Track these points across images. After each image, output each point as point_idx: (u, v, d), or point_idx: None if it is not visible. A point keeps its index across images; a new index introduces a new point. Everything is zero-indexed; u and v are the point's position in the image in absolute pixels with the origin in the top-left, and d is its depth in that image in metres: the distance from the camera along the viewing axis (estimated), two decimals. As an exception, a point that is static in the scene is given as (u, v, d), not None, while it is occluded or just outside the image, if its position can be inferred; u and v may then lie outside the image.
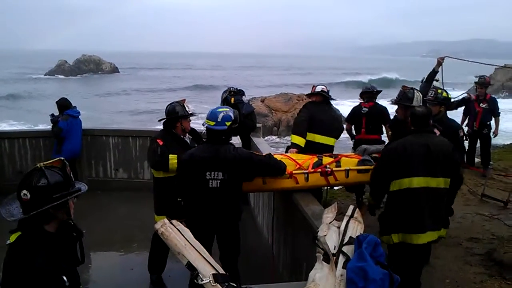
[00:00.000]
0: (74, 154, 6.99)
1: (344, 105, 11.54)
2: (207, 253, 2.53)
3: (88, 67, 56.51)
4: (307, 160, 4.27)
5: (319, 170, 4.10)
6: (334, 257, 2.60)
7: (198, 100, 32.87)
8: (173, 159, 4.16)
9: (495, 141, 9.02)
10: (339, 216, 3.22)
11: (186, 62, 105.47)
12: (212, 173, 3.54)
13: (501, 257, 4.56)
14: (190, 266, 2.40)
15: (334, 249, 2.71)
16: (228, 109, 3.79)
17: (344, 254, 2.64)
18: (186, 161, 3.65)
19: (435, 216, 3.52)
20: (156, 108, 26.33)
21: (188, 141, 4.52)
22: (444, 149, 3.52)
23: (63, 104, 6.99)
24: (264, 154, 4.18)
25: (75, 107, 7.13)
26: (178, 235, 2.51)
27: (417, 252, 3.57)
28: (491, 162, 7.67)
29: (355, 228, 2.93)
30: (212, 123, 3.66)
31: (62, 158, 2.19)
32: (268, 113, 22.06)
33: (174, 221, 2.62)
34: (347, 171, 4.25)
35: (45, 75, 54.52)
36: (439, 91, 5.04)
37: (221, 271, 2.45)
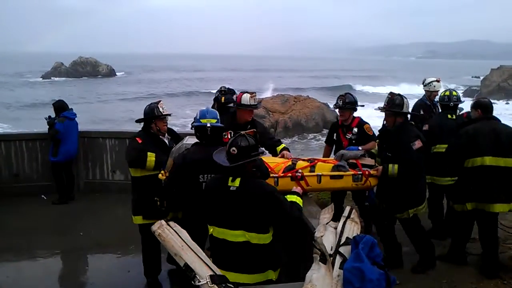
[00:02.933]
0: (71, 156, 6.99)
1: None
2: (204, 254, 2.53)
3: (85, 69, 56.45)
4: (281, 164, 4.21)
5: (290, 174, 4.04)
6: (331, 258, 2.61)
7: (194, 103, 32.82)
8: (151, 156, 4.19)
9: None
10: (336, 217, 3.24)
11: (183, 64, 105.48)
12: (206, 176, 3.50)
13: (498, 257, 4.58)
14: (187, 268, 2.40)
15: (331, 249, 2.72)
16: (205, 109, 3.82)
17: (341, 254, 2.65)
18: (181, 165, 3.59)
19: (505, 191, 4.26)
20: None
21: (166, 141, 4.54)
22: (509, 133, 4.30)
23: (60, 106, 6.98)
24: None
25: (71, 109, 7.12)
26: (175, 236, 2.51)
27: (489, 218, 4.38)
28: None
29: (352, 229, 2.95)
30: (214, 120, 3.65)
31: (254, 130, 3.14)
32: (265, 115, 22.11)
33: (171, 223, 2.62)
34: (319, 177, 4.24)
35: (41, 77, 54.36)
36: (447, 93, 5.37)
37: (218, 272, 2.46)
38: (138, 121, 4.56)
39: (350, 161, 4.44)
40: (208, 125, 3.60)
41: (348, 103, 5.14)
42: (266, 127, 5.05)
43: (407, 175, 4.23)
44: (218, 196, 3.04)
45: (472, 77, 68.14)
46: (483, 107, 4.50)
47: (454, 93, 5.39)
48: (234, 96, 6.12)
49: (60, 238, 5.62)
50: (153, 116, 4.36)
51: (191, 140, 4.10)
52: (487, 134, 4.27)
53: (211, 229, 3.09)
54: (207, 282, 2.33)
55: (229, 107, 5.80)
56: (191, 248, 2.49)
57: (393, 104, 4.36)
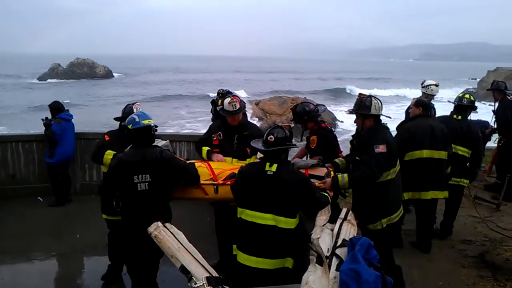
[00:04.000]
0: (67, 157, 6.96)
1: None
2: (200, 256, 2.53)
3: (82, 70, 56.24)
4: (226, 171, 4.06)
5: (229, 182, 3.87)
6: (328, 260, 2.61)
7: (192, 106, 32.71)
8: (108, 154, 4.30)
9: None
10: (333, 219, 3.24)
11: (181, 66, 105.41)
12: (140, 176, 3.55)
13: (494, 259, 4.60)
14: (183, 269, 2.40)
15: (328, 251, 2.72)
16: (142, 112, 3.86)
17: (338, 256, 2.65)
18: (115, 167, 3.65)
19: (438, 180, 4.90)
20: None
21: None
22: (441, 128, 4.93)
23: (56, 107, 6.95)
24: (187, 161, 4.10)
25: (67, 110, 7.09)
26: (172, 238, 2.51)
27: (425, 205, 4.98)
28: (483, 165, 7.71)
29: (348, 231, 2.95)
30: (151, 121, 3.69)
31: (290, 124, 3.42)
32: (263, 116, 22.10)
33: (167, 224, 2.62)
34: None
35: (37, 79, 54.13)
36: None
37: (215, 274, 2.46)
38: (116, 119, 4.68)
39: (301, 170, 4.09)
40: (152, 125, 3.69)
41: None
42: (262, 130, 4.75)
43: (360, 181, 3.99)
44: (254, 179, 3.32)
45: (469, 79, 68.42)
46: (424, 106, 5.16)
47: (466, 96, 5.46)
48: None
49: (57, 240, 5.59)
50: (123, 116, 4.46)
51: (161, 143, 4.29)
52: (425, 130, 4.89)
53: (240, 212, 3.35)
54: (203, 284, 2.33)
55: None
56: (187, 250, 2.49)
57: (361, 106, 4.13)
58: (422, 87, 6.31)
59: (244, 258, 3.25)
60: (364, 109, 4.08)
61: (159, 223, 2.60)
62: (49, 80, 52.80)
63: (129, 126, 3.64)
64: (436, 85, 6.28)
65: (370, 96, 4.18)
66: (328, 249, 2.74)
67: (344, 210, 3.24)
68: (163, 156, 3.63)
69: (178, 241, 2.52)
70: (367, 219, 4.10)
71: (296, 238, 3.30)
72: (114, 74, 62.27)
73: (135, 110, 4.45)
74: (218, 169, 4.09)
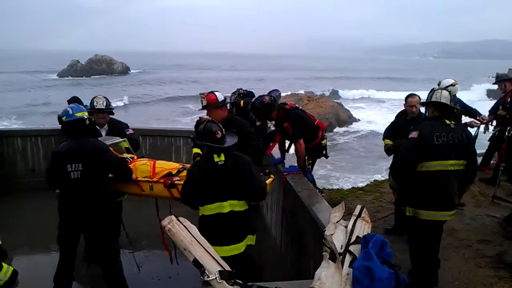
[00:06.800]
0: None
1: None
2: (212, 250, 2.54)
3: (100, 67, 57.05)
4: (165, 170, 4.20)
5: (162, 181, 4.05)
6: (341, 256, 2.60)
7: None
8: None
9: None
10: (347, 216, 3.22)
11: (197, 63, 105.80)
12: (73, 165, 3.81)
13: (511, 259, 4.52)
14: (196, 263, 2.42)
15: (341, 248, 2.71)
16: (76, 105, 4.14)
17: (351, 253, 2.64)
18: (52, 157, 3.94)
19: None
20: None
21: (103, 133, 4.94)
22: None
23: (74, 102, 7.05)
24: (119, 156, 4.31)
25: (86, 105, 7.18)
26: (185, 232, 2.52)
27: None
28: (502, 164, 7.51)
29: (362, 228, 2.93)
30: (85, 113, 3.97)
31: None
32: (278, 114, 22.04)
33: (181, 218, 2.63)
34: None
35: (57, 75, 55.05)
36: None
37: (228, 268, 2.46)
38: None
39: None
40: (85, 117, 3.93)
41: None
42: (246, 126, 4.77)
43: None
44: (209, 173, 3.50)
45: (490, 77, 67.06)
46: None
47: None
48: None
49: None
50: (91, 108, 4.88)
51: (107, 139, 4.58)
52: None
53: (202, 210, 3.54)
54: (216, 277, 2.34)
55: (249, 111, 5.58)
56: (200, 244, 2.50)
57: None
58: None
59: (217, 251, 3.24)
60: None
61: (173, 217, 2.62)
62: (69, 76, 53.63)
63: (63, 118, 3.91)
64: (453, 85, 6.03)
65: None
66: (342, 245, 2.73)
67: (358, 207, 3.22)
68: (96, 147, 3.91)
69: (191, 234, 2.53)
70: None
71: (249, 216, 3.65)
72: (132, 70, 62.96)
73: (94, 103, 4.90)
74: (159, 167, 4.26)
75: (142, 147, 7.61)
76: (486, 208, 6.13)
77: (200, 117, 3.74)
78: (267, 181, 3.99)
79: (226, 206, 3.48)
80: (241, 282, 2.42)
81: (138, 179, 4.12)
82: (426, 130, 3.76)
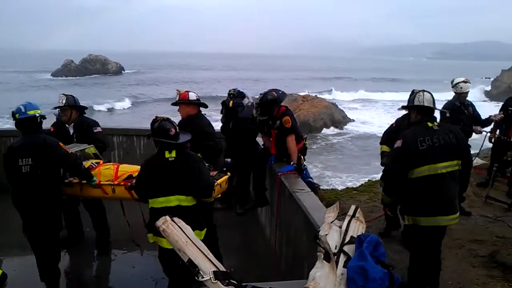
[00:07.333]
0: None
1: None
2: (207, 250, 2.54)
3: (94, 67, 56.79)
4: (127, 173, 4.40)
5: (123, 183, 4.28)
6: (335, 256, 2.60)
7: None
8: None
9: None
10: (341, 216, 3.23)
11: (194, 63, 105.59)
12: (24, 159, 3.96)
13: (504, 259, 4.56)
14: (191, 263, 2.41)
15: (335, 248, 2.71)
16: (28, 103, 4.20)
17: (345, 253, 2.64)
18: (5, 152, 4.09)
19: None
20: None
21: (70, 131, 5.15)
22: None
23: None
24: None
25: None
26: (179, 232, 2.52)
27: None
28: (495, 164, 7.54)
29: (357, 228, 2.93)
30: (39, 111, 4.11)
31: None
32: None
33: (175, 218, 2.63)
34: None
35: (51, 75, 54.73)
36: None
37: (222, 268, 2.46)
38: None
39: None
40: (37, 115, 4.06)
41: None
42: (207, 127, 4.95)
43: None
44: (158, 169, 3.66)
45: (483, 78, 67.49)
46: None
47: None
48: (246, 100, 5.92)
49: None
50: (55, 107, 5.14)
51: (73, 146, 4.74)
52: None
53: (152, 203, 3.69)
54: (210, 278, 2.34)
55: (238, 112, 5.76)
56: (195, 244, 2.50)
57: None
58: (452, 87, 6.15)
59: (164, 243, 3.46)
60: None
61: (167, 217, 2.62)
62: (62, 76, 53.32)
63: (16, 116, 4.03)
64: (465, 82, 6.06)
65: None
66: (336, 246, 2.73)
67: (352, 207, 3.22)
68: (46, 142, 4.04)
69: (186, 235, 2.53)
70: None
71: (198, 212, 3.75)
72: (126, 70, 62.74)
73: (59, 101, 5.05)
74: (122, 171, 4.47)
75: (137, 147, 7.60)
76: (479, 208, 6.18)
77: (156, 116, 3.83)
78: (220, 180, 4.36)
79: (173, 200, 3.63)
80: (235, 282, 2.42)
81: (101, 183, 4.36)
82: (409, 137, 3.68)
